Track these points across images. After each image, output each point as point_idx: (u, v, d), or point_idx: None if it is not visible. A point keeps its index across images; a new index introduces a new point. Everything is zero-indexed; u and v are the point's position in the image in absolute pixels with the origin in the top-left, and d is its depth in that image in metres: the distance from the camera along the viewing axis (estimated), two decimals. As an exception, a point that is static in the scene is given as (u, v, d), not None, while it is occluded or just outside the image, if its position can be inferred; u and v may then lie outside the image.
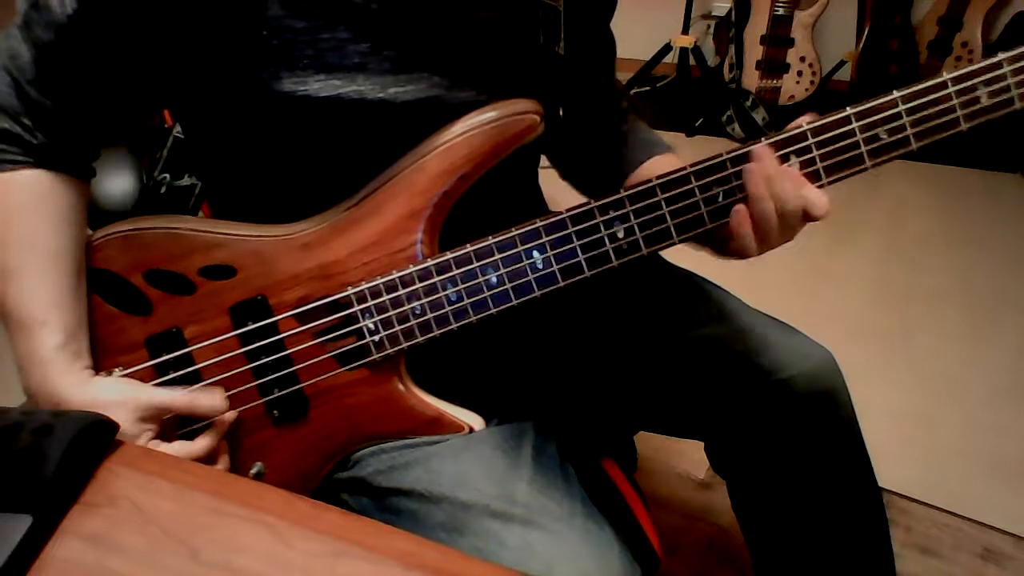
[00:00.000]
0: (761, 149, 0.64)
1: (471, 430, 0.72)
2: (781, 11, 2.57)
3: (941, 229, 2.23)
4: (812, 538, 0.79)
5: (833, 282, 2.01)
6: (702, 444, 0.84)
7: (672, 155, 0.82)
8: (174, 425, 0.69)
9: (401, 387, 0.71)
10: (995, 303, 1.93)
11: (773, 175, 0.64)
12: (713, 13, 2.95)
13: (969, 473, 1.44)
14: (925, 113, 0.64)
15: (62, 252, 0.66)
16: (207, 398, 0.68)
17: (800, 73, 2.65)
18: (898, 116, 0.64)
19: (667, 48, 2.81)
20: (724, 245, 0.69)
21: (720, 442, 0.81)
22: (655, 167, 0.80)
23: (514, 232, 0.66)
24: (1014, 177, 2.47)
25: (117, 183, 0.93)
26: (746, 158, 0.65)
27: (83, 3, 0.60)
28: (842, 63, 2.73)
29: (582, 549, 0.64)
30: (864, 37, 2.63)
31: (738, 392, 0.75)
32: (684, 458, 1.44)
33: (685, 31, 2.77)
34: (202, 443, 0.67)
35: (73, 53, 0.62)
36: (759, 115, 2.63)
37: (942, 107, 0.64)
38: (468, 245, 0.66)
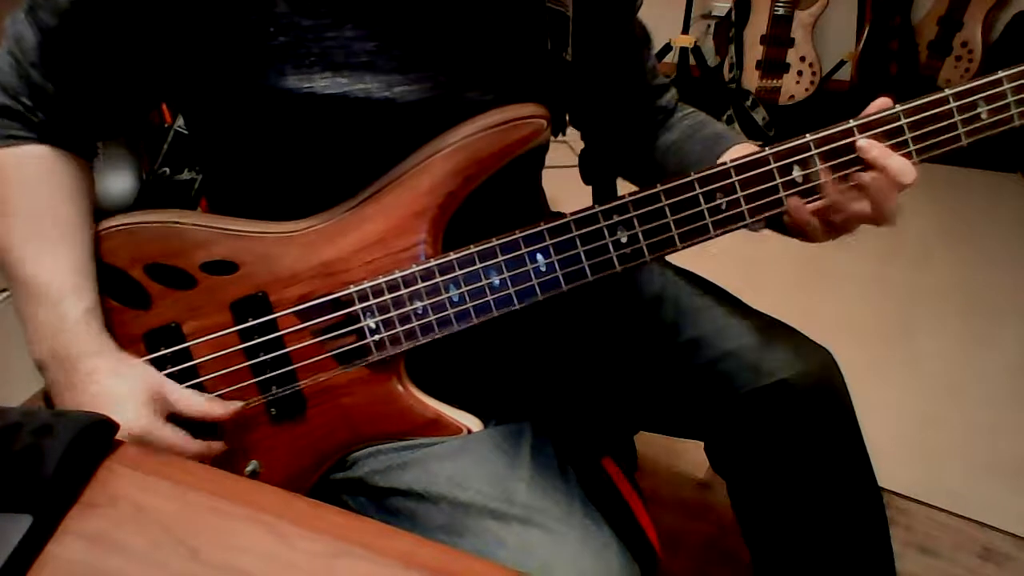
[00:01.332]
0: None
1: (469, 432, 0.71)
2: (781, 11, 2.57)
3: (941, 229, 2.23)
4: (812, 538, 0.79)
5: (833, 282, 2.01)
6: (702, 444, 0.84)
7: (747, 144, 0.79)
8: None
9: (400, 388, 0.71)
10: (995, 303, 1.92)
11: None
12: (713, 13, 2.94)
13: (969, 473, 1.44)
14: (927, 129, 0.64)
15: (79, 223, 0.66)
16: (219, 407, 0.68)
17: (800, 73, 2.64)
18: (900, 131, 0.64)
19: (667, 48, 2.80)
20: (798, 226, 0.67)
21: (720, 442, 0.81)
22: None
23: (518, 234, 0.66)
24: (1014, 177, 2.47)
25: (115, 182, 0.93)
26: (751, 166, 0.65)
27: None
28: (842, 63, 2.72)
29: (581, 549, 0.64)
30: (864, 37, 2.63)
31: (738, 392, 0.75)
32: (684, 458, 1.44)
33: (685, 31, 2.76)
34: (199, 444, 0.67)
35: (76, 38, 0.63)
36: (759, 115, 2.63)
37: (944, 123, 0.64)
38: (472, 246, 0.66)
